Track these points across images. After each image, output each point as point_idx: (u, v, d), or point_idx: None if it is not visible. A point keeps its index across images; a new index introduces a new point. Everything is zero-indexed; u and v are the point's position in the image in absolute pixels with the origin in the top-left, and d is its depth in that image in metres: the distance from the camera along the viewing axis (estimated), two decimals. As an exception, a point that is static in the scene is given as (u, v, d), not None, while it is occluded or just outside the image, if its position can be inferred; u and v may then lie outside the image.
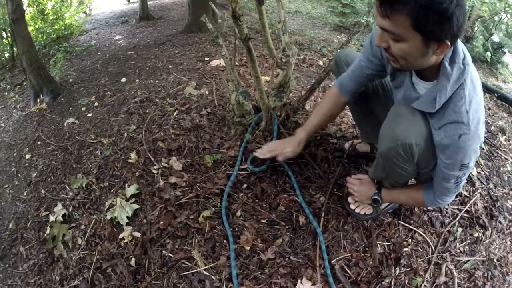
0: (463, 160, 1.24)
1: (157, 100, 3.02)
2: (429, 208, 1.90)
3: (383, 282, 1.55)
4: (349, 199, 1.84)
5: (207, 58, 4.24)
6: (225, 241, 1.70)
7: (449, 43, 1.07)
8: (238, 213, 1.82)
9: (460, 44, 1.18)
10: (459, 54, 1.17)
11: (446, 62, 1.17)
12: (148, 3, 8.93)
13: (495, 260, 1.75)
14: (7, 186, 3.01)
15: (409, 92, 1.38)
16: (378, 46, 1.20)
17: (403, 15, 1.02)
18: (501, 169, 2.36)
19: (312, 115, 1.86)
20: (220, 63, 3.87)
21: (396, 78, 1.44)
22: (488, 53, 6.94)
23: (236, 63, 3.56)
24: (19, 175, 3.05)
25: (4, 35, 6.65)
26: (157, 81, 3.62)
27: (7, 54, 6.69)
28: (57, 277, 1.86)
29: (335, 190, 1.96)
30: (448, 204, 1.94)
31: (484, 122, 1.30)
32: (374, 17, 1.13)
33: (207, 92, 3.04)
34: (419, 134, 1.26)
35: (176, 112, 2.69)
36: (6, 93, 5.33)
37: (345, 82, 1.68)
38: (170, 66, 4.14)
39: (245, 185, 1.98)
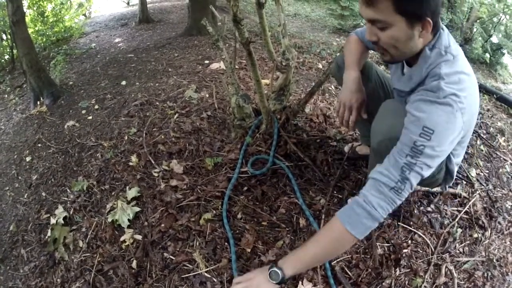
0: (419, 133, 1.12)
1: (157, 103, 3.03)
2: (428, 209, 1.91)
3: (383, 283, 1.55)
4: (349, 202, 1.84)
5: (207, 61, 4.25)
6: (226, 243, 1.71)
7: (430, 21, 1.13)
8: (239, 216, 1.83)
9: (446, 35, 1.24)
10: (442, 42, 1.22)
11: (427, 47, 1.22)
12: (148, 6, 8.94)
13: (494, 261, 1.75)
14: (7, 188, 3.01)
15: (398, 78, 1.43)
16: (369, 40, 1.25)
17: (385, 1, 1.10)
18: (500, 170, 2.37)
19: (347, 54, 1.70)
20: (220, 66, 3.88)
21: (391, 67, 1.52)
22: (487, 55, 6.96)
23: (236, 66, 3.57)
24: (20, 177, 3.06)
25: (4, 37, 6.67)
26: (157, 84, 3.63)
27: (7, 56, 6.71)
28: (58, 280, 1.86)
29: (335, 192, 1.97)
30: (448, 205, 1.96)
31: (474, 105, 1.23)
32: (360, 11, 1.21)
33: (207, 95, 3.05)
34: None
35: (177, 115, 2.71)
36: (6, 96, 5.34)
37: (362, 36, 1.66)
38: (170, 69, 4.16)
39: (245, 188, 1.99)
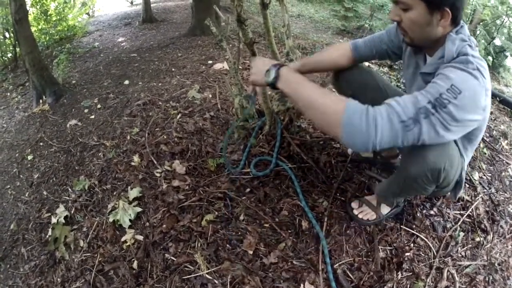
0: (446, 88, 1.08)
1: (160, 103, 3.03)
2: (430, 212, 1.90)
3: (385, 287, 1.54)
4: (353, 204, 1.85)
5: (210, 62, 4.25)
6: (228, 245, 1.70)
7: (449, 11, 1.21)
8: (241, 217, 1.82)
9: (467, 31, 1.30)
10: (465, 31, 1.29)
11: (451, 32, 1.28)
12: (152, 5, 8.94)
13: (496, 265, 1.74)
14: (8, 186, 3.01)
15: (419, 66, 1.48)
16: (392, 20, 1.35)
17: None
18: (503, 173, 2.36)
19: (312, 56, 1.87)
20: (223, 67, 3.88)
21: (408, 58, 1.57)
22: (490, 57, 6.93)
23: (240, 67, 3.56)
24: (21, 176, 3.05)
25: (7, 35, 6.68)
26: (160, 84, 3.63)
27: (9, 55, 6.72)
28: (58, 279, 1.85)
29: (338, 194, 1.96)
30: (450, 209, 1.95)
31: (489, 102, 1.20)
32: None
33: (210, 96, 3.04)
34: (448, 159, 1.28)
35: (179, 115, 2.70)
36: (9, 94, 5.35)
37: (360, 46, 1.75)
38: (173, 69, 4.16)
39: (248, 189, 1.98)
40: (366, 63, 3.30)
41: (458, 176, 1.43)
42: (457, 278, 1.62)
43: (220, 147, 2.29)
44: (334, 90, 1.92)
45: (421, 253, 1.72)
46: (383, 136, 1.09)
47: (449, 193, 1.59)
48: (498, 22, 7.33)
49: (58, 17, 7.87)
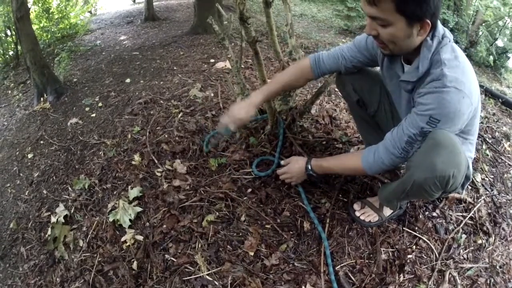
0: (433, 111, 1.24)
1: (161, 101, 3.01)
2: (433, 214, 1.89)
3: (387, 290, 1.53)
4: (355, 206, 1.83)
5: (212, 60, 4.24)
6: (228, 246, 1.68)
7: (429, 22, 1.20)
8: (243, 218, 1.80)
9: (440, 25, 1.30)
10: (439, 30, 1.29)
11: (428, 37, 1.28)
12: (154, 3, 8.94)
13: (497, 267, 1.73)
14: (8, 185, 3.00)
15: (398, 75, 1.48)
16: (369, 34, 1.32)
17: (387, 1, 1.16)
18: (505, 175, 2.34)
19: (274, 80, 1.86)
20: (225, 66, 3.86)
21: (387, 69, 1.56)
22: (491, 57, 6.91)
23: (242, 66, 3.55)
24: (21, 174, 3.04)
25: (9, 33, 6.66)
26: (162, 83, 3.61)
27: (11, 52, 6.70)
28: (57, 279, 1.84)
29: (340, 196, 1.94)
30: (452, 211, 1.94)
31: (475, 89, 1.29)
32: (362, 7, 1.28)
33: (212, 95, 3.03)
34: (457, 165, 1.27)
35: (181, 114, 2.68)
36: (10, 91, 5.34)
37: (323, 62, 1.75)
38: (175, 68, 4.14)
39: (249, 190, 1.96)
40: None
41: (465, 172, 1.41)
42: (459, 281, 1.61)
43: (221, 146, 2.27)
44: (337, 90, 1.92)
45: (423, 255, 1.71)
46: (389, 164, 1.45)
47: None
48: (500, 23, 7.33)
49: (60, 15, 7.85)
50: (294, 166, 1.83)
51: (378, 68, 1.67)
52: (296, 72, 1.81)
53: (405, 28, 1.21)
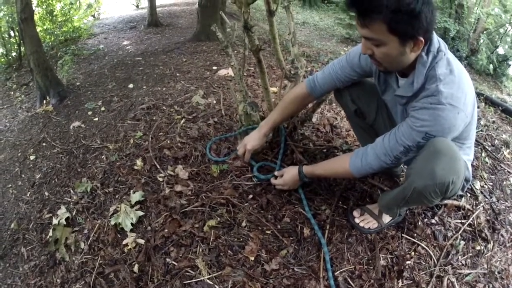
0: (421, 136, 1.31)
1: (164, 107, 3.04)
2: (432, 221, 1.92)
3: (386, 295, 1.55)
4: (355, 213, 1.86)
5: (215, 67, 4.27)
6: (229, 251, 1.70)
7: (422, 39, 1.23)
8: (243, 224, 1.82)
9: (435, 36, 1.32)
10: (434, 44, 1.31)
11: (423, 52, 1.31)
12: (157, 9, 8.99)
13: (496, 273, 1.75)
14: (10, 186, 3.02)
15: (394, 89, 1.52)
16: (364, 54, 1.36)
17: (379, 22, 1.19)
18: (504, 182, 2.37)
19: (276, 110, 1.99)
20: (227, 73, 3.89)
21: (383, 83, 1.61)
22: (491, 66, 6.95)
23: (244, 73, 3.58)
24: (23, 175, 3.06)
25: (12, 34, 6.70)
26: (164, 89, 3.64)
27: (14, 54, 6.74)
28: (58, 280, 1.85)
29: (340, 203, 1.97)
30: (451, 218, 1.96)
31: (470, 99, 1.33)
32: (357, 28, 1.34)
33: (214, 102, 3.06)
34: (456, 172, 1.30)
35: (183, 120, 2.71)
36: (12, 93, 5.37)
37: (319, 86, 1.82)
38: (177, 74, 4.17)
39: (250, 196, 1.98)
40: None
41: (464, 176, 1.43)
42: (457, 286, 1.63)
43: (223, 153, 2.29)
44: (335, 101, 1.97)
45: (421, 261, 1.73)
46: (377, 169, 1.52)
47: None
48: (501, 30, 7.38)
49: (64, 18, 7.91)
50: (288, 175, 1.91)
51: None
52: (295, 100, 1.92)
53: (398, 47, 1.25)
